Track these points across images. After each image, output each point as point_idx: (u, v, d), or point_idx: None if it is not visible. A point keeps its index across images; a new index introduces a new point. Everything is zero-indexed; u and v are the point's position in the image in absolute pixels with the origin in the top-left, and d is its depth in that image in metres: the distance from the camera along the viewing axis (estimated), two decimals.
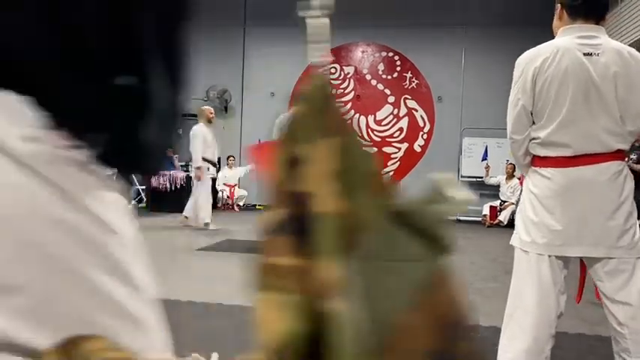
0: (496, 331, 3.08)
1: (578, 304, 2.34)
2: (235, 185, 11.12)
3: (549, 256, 2.02)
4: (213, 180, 10.84)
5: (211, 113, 7.80)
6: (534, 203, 2.05)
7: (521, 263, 2.10)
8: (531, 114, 2.06)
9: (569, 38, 2.00)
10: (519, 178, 10.54)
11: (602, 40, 1.99)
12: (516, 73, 2.07)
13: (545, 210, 2.02)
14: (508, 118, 2.11)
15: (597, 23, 2.03)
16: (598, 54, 1.95)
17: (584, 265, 2.09)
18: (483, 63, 11.46)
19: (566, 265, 2.07)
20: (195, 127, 7.62)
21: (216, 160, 7.81)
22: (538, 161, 2.08)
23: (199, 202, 7.59)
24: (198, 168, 7.43)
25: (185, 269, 4.58)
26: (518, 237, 2.11)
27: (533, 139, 2.07)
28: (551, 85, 1.97)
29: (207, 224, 7.46)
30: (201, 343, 2.71)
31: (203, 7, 12.20)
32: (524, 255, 2.09)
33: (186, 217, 7.62)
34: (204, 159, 7.48)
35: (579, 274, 2.11)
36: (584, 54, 1.96)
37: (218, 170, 7.77)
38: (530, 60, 2.02)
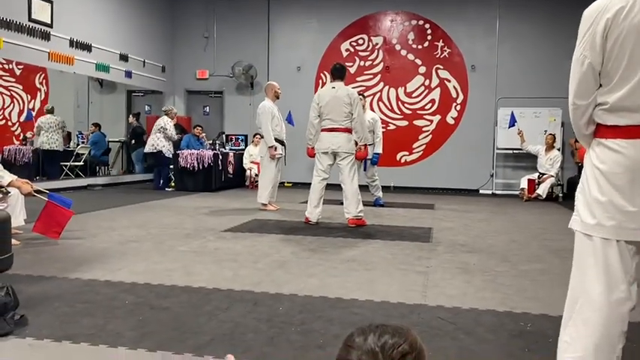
0: (548, 320, 2.82)
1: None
2: None
3: (618, 241, 1.73)
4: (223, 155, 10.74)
5: (279, 89, 7.36)
6: (600, 181, 1.75)
7: (584, 249, 1.80)
8: (599, 75, 1.74)
9: None
10: (572, 152, 10.04)
11: None
12: (583, 26, 1.74)
13: (614, 188, 1.72)
14: (571, 79, 1.80)
15: None
16: None
17: None
18: (519, 29, 10.89)
19: (638, 251, 1.77)
20: (262, 104, 7.22)
21: (284, 137, 7.38)
22: (605, 131, 1.77)
23: (261, 182, 7.34)
24: (271, 147, 7.08)
25: (211, 252, 4.41)
26: (580, 219, 1.81)
27: (600, 104, 1.76)
28: (627, 39, 1.65)
29: (264, 205, 7.23)
30: (226, 337, 2.51)
31: None
32: (588, 240, 1.79)
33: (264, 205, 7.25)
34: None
35: None
36: None
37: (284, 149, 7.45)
38: (602, 11, 1.68)
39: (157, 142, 9.76)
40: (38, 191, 4.71)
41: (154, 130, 9.85)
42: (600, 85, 1.76)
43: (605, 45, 1.68)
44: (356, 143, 6.03)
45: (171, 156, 9.96)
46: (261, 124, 7.10)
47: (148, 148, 9.88)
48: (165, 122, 9.86)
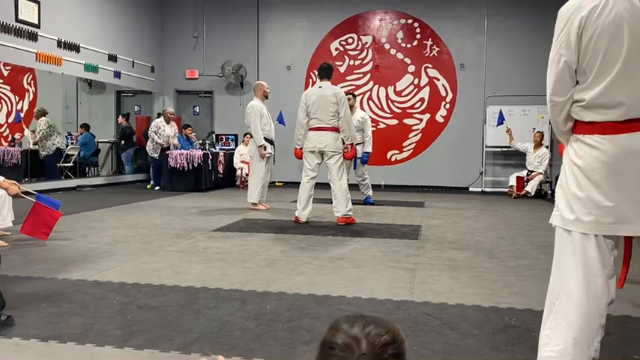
0: (532, 315, 2.85)
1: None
2: None
3: (596, 235, 1.76)
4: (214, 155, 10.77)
5: (268, 88, 7.38)
6: (578, 176, 1.78)
7: (564, 244, 1.83)
8: (575, 72, 1.77)
9: None
10: (560, 149, 10.13)
11: None
12: (559, 24, 1.77)
13: (592, 184, 1.75)
14: (548, 77, 1.83)
15: None
16: None
17: (628, 245, 1.82)
18: (507, 28, 10.96)
19: (617, 245, 1.80)
20: (250, 103, 7.22)
21: (273, 137, 7.38)
22: (582, 127, 1.80)
23: (251, 181, 7.31)
24: (261, 146, 7.08)
25: (200, 252, 4.41)
26: (560, 215, 1.84)
27: (576, 101, 1.79)
28: (601, 37, 1.68)
29: (254, 204, 7.22)
30: (213, 335, 2.52)
31: None
32: (567, 235, 1.82)
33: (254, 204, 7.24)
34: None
35: (624, 255, 1.84)
36: None
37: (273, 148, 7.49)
38: (577, 9, 1.72)
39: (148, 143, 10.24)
40: (26, 192, 4.70)
41: None
42: (577, 83, 1.79)
43: (580, 43, 1.71)
44: (343, 142, 6.05)
45: (154, 156, 10.06)
46: (250, 124, 7.11)
47: None
48: (152, 125, 10.16)
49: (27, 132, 9.70)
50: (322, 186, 6.39)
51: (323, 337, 1.01)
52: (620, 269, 1.84)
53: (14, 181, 4.61)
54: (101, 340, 2.41)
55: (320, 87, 6.01)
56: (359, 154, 7.58)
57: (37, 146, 9.81)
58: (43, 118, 9.71)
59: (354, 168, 7.87)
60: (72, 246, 4.59)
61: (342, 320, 1.02)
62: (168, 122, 10.13)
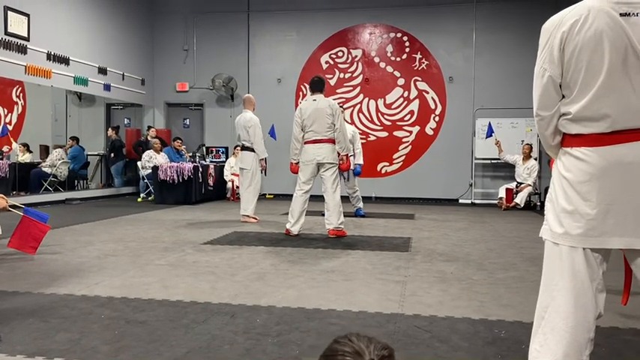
0: (521, 327, 2.86)
1: (610, 296, 2.08)
2: None
3: (584, 249, 1.77)
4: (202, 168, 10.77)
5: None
6: (567, 189, 1.79)
7: (552, 258, 1.84)
8: (560, 86, 1.79)
9: None
10: (549, 162, 10.22)
11: None
12: (542, 40, 1.80)
13: (580, 197, 1.76)
14: (534, 92, 1.85)
15: None
16: (638, 14, 1.67)
17: (626, 259, 1.83)
18: (495, 41, 11.10)
19: (606, 259, 1.81)
20: (250, 116, 7.22)
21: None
22: (570, 140, 1.82)
23: (245, 194, 7.30)
24: (262, 159, 7.14)
25: (189, 266, 4.39)
26: (549, 228, 1.85)
27: (563, 115, 1.81)
28: (583, 51, 1.71)
29: (246, 217, 7.21)
30: (202, 349, 2.50)
31: None
32: (556, 248, 1.83)
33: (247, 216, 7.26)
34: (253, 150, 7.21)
35: (624, 270, 1.85)
36: (621, 14, 1.68)
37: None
38: (558, 24, 1.75)
39: None
40: (14, 206, 4.66)
41: None
42: (563, 96, 1.82)
43: (563, 58, 1.74)
44: (338, 154, 6.07)
45: (149, 172, 10.17)
46: (255, 136, 7.13)
47: None
48: (144, 158, 10.42)
49: (15, 145, 9.64)
50: (312, 198, 6.39)
51: (327, 351, 1.07)
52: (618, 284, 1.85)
53: (1, 195, 4.57)
54: (89, 356, 2.39)
55: (314, 100, 6.04)
56: (351, 166, 7.61)
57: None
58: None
59: (347, 179, 7.89)
60: (60, 260, 4.54)
61: (347, 335, 1.10)
62: (158, 152, 10.29)
